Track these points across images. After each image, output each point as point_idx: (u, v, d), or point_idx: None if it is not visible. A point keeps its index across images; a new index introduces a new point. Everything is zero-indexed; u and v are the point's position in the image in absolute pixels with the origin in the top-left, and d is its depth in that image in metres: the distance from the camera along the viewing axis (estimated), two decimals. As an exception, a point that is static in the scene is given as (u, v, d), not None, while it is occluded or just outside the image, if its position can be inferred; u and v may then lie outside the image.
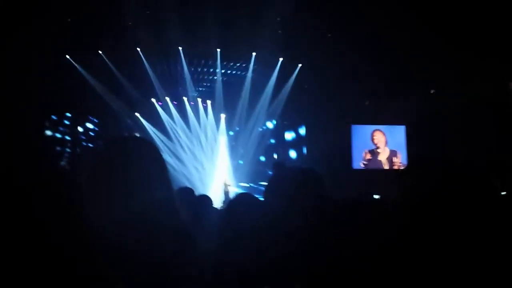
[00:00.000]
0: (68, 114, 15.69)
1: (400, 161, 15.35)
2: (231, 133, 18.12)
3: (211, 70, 15.52)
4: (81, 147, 16.29)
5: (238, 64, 15.46)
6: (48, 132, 14.64)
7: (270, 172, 16.54)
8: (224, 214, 1.85)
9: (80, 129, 16.43)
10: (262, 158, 18.24)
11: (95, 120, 16.94)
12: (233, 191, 15.06)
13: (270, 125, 17.91)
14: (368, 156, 15.53)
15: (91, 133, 16.95)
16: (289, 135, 18.19)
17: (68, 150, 15.50)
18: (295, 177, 1.74)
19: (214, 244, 1.59)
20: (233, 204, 1.83)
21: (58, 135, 15.27)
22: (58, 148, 15.09)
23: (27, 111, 11.17)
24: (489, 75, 10.81)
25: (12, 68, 9.89)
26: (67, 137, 15.75)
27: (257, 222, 1.56)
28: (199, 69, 15.49)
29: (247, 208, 1.68)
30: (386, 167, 15.34)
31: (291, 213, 1.59)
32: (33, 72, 10.72)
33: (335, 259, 1.45)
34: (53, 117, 14.96)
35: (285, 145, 18.26)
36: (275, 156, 18.16)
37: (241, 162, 17.77)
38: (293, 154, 17.76)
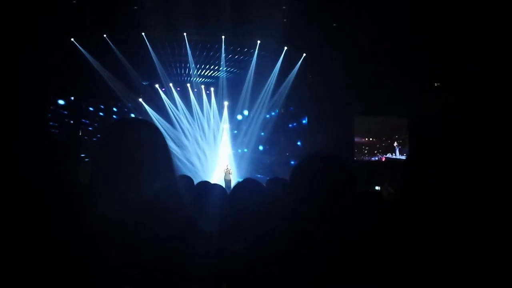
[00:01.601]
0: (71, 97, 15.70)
1: (402, 153, 15.36)
2: (240, 117, 18.06)
3: (216, 57, 15.44)
4: (83, 130, 16.32)
5: (242, 52, 15.38)
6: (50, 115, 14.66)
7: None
8: (227, 199, 1.85)
9: (82, 112, 16.44)
10: (265, 147, 18.27)
11: (97, 103, 16.93)
12: (234, 179, 15.11)
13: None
14: (370, 147, 15.54)
15: (94, 116, 16.95)
16: (292, 125, 18.18)
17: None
18: (325, 167, 1.65)
19: (216, 230, 1.59)
20: (237, 189, 1.82)
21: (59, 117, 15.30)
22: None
23: (30, 93, 11.16)
24: (494, 70, 10.76)
25: (17, 50, 9.86)
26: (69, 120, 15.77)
27: (259, 207, 1.56)
28: (204, 56, 15.41)
29: (250, 193, 1.68)
30: (387, 158, 15.36)
31: (302, 202, 1.57)
32: (37, 54, 10.68)
33: (334, 247, 1.47)
34: (59, 100, 14.97)
35: (288, 135, 18.24)
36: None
37: (245, 150, 17.80)
38: (296, 143, 17.77)
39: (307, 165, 1.67)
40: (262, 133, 17.57)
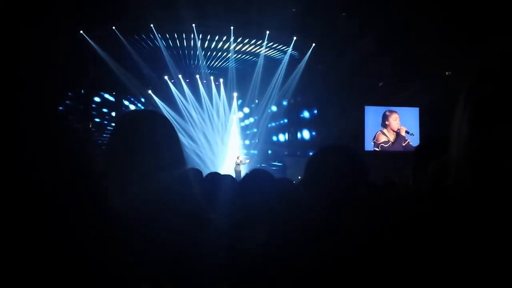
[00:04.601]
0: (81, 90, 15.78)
1: (413, 143, 15.24)
2: (246, 110, 18.04)
3: (224, 47, 15.38)
4: (93, 123, 16.40)
5: (251, 42, 15.31)
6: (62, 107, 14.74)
7: (286, 153, 16.61)
8: (237, 190, 1.84)
9: (92, 104, 16.52)
10: (275, 138, 18.26)
11: (107, 96, 16.99)
12: (244, 170, 15.09)
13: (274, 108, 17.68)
14: (381, 138, 15.45)
15: (104, 109, 17.02)
16: (301, 116, 18.12)
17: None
18: (335, 158, 1.63)
19: (228, 221, 1.59)
20: (247, 179, 1.81)
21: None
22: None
23: (40, 86, 11.21)
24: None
25: (25, 43, 9.90)
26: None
27: (269, 197, 1.55)
28: (212, 47, 15.36)
29: (260, 183, 1.67)
30: (398, 149, 15.26)
31: (316, 195, 1.55)
32: (46, 47, 10.72)
33: (347, 237, 1.46)
34: (68, 93, 15.05)
35: (297, 125, 18.19)
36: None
37: (248, 142, 17.82)
38: (305, 134, 17.74)
39: (321, 158, 1.66)
40: (271, 124, 17.55)
